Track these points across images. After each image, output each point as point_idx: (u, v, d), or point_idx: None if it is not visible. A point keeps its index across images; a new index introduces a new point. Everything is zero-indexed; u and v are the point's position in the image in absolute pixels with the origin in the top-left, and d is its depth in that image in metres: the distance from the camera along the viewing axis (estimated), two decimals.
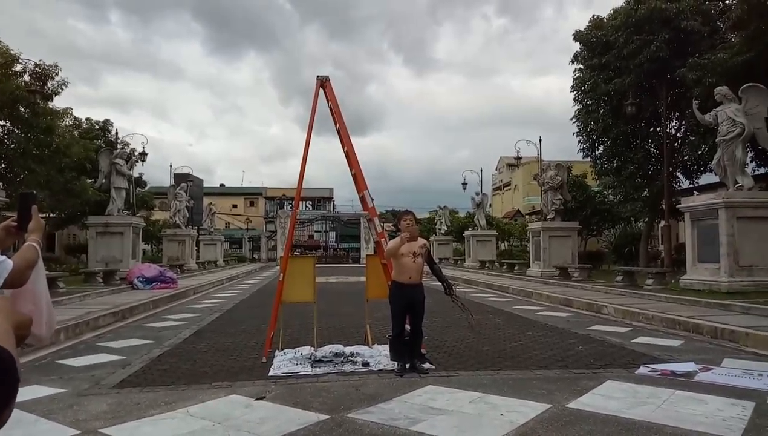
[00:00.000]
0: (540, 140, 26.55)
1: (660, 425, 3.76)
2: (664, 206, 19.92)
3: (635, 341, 7.36)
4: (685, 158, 21.38)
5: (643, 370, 5.47)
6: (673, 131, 21.30)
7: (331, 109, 7.02)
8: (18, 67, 17.72)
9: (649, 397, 4.48)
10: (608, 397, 4.50)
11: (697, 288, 11.90)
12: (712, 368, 5.50)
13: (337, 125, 7.00)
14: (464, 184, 35.29)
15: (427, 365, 5.64)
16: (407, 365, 5.49)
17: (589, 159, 23.63)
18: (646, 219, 22.97)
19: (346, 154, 6.93)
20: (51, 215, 24.40)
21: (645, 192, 21.54)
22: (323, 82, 6.98)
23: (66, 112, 20.34)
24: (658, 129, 20.94)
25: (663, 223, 21.17)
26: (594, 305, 10.95)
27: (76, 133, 22.33)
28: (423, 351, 5.86)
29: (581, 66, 21.97)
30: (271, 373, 5.48)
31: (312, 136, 6.96)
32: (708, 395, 4.52)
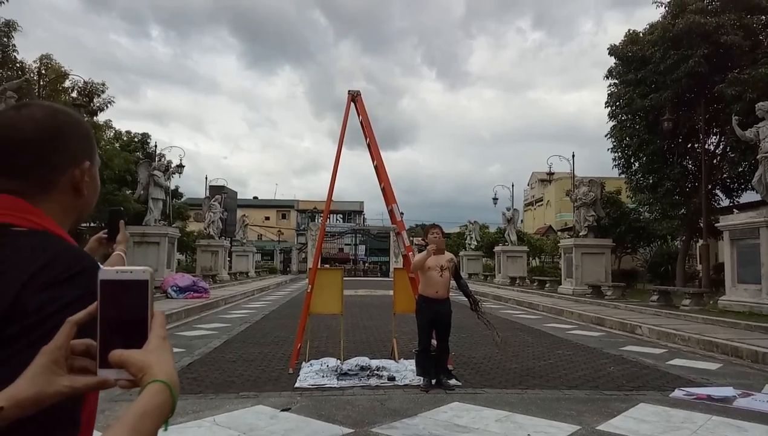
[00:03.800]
0: (573, 156, 26.17)
1: None
2: (702, 225, 19.31)
3: (670, 363, 7.13)
4: (725, 175, 20.71)
5: (678, 393, 5.29)
6: (712, 148, 20.67)
7: (361, 123, 7.12)
8: (67, 84, 18.62)
9: (684, 421, 4.33)
10: (640, 420, 4.37)
11: (736, 309, 11.48)
12: (753, 394, 5.28)
13: (368, 139, 7.08)
14: (495, 199, 34.90)
15: (453, 382, 5.59)
16: (433, 381, 5.45)
17: (624, 175, 23.14)
18: (683, 237, 22.29)
19: (376, 168, 6.99)
20: (92, 225, 25.24)
21: (682, 210, 20.93)
22: (354, 97, 7.08)
23: (107, 124, 21.18)
24: (696, 145, 20.37)
25: (701, 242, 20.49)
26: (627, 325, 10.66)
27: (117, 145, 23.19)
28: (450, 367, 5.80)
29: (616, 81, 21.62)
30: (297, 384, 5.51)
31: (344, 149, 7.09)
32: (748, 422, 4.34)
